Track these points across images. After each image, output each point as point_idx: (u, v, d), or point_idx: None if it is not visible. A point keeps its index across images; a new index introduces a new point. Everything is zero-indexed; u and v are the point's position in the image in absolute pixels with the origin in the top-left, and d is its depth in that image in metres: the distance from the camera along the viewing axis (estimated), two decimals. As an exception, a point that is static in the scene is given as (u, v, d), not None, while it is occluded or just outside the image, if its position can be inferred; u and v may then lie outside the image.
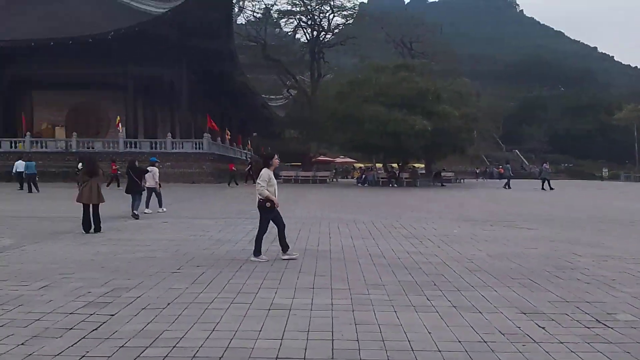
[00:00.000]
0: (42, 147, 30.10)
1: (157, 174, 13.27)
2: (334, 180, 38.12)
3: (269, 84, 42.24)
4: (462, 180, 38.07)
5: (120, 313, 4.16)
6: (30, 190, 20.70)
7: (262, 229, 6.66)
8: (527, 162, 68.21)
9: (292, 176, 34.09)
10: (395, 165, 35.27)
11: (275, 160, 6.86)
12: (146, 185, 12.88)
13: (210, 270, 5.95)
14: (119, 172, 23.43)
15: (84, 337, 3.58)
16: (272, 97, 45.97)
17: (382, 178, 31.37)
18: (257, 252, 6.63)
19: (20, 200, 17.34)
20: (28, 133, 30.26)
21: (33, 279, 5.36)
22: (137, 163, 13.21)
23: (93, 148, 30.18)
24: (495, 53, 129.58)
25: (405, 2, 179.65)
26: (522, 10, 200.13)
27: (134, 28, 29.66)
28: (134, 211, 11.83)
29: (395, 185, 30.02)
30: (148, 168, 13.27)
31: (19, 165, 21.75)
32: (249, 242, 8.19)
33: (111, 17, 32.01)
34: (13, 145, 29.72)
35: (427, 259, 6.79)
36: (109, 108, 34.21)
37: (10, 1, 35.25)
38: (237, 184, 29.52)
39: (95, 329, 3.75)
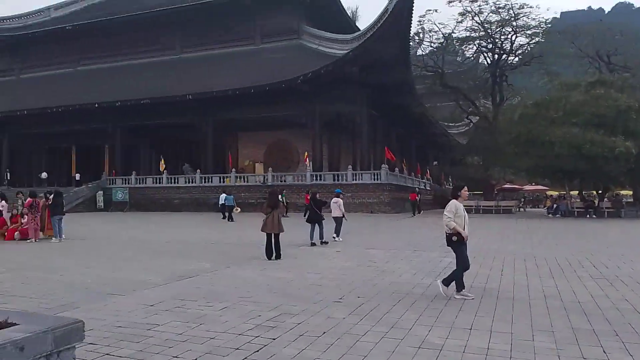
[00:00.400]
0: (244, 181, 34.24)
1: (342, 205, 14.19)
2: (521, 210, 35.35)
3: (448, 111, 41.56)
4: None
5: (281, 337, 4.57)
6: (229, 220, 23.66)
7: (461, 262, 6.43)
8: None
9: (472, 206, 32.59)
10: (594, 192, 31.24)
11: (464, 192, 6.75)
12: (332, 215, 13.97)
13: (370, 301, 6.11)
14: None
15: (245, 358, 4.04)
16: (451, 124, 45.19)
17: (577, 208, 28.02)
18: (460, 286, 6.43)
19: (222, 228, 19.98)
20: (233, 169, 34.84)
21: (217, 300, 6.19)
22: (317, 195, 14.25)
23: (285, 181, 33.24)
24: None
25: (606, 11, 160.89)
26: None
27: (319, 71, 32.35)
28: (313, 240, 12.77)
29: (594, 215, 26.49)
30: (333, 199, 14.36)
31: (222, 198, 25.07)
32: (413, 275, 8.18)
33: (302, 62, 35.48)
34: (222, 180, 34.42)
35: (614, 304, 5.92)
36: (299, 144, 37.51)
37: (220, 61, 41.63)
38: (420, 213, 29.56)
39: (257, 351, 4.19)
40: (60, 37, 48.05)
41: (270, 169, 34.34)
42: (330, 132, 37.43)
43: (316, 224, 13.14)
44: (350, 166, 32.64)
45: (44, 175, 39.93)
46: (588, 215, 26.61)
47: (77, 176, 39.17)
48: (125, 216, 29.89)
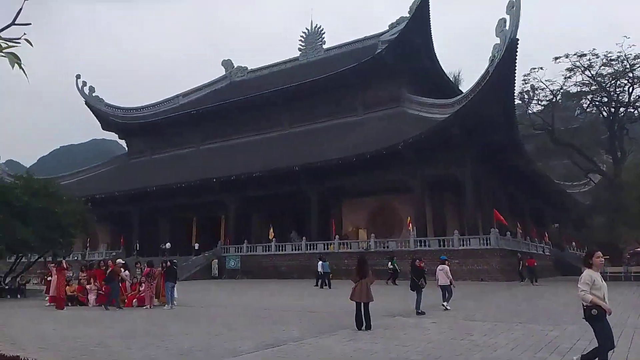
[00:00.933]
0: (347, 247, 34.48)
1: (449, 272, 13.95)
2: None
3: (565, 169, 38.91)
4: None
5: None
6: (322, 287, 24.15)
7: (604, 340, 5.67)
8: None
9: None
10: None
11: (597, 259, 5.97)
12: (439, 284, 13.89)
13: (451, 378, 5.81)
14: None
15: None
16: (570, 183, 42.06)
17: None
18: None
19: (321, 295, 20.11)
20: (337, 236, 35.34)
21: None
22: (417, 262, 13.96)
23: (388, 247, 32.89)
24: None
25: None
26: None
27: (420, 136, 32.52)
28: (417, 309, 12.44)
29: None
30: (439, 267, 14.17)
31: (320, 265, 25.53)
32: (510, 350, 7.61)
33: (403, 128, 36.02)
34: (326, 246, 35.01)
35: None
36: (402, 209, 37.20)
37: (324, 133, 43.69)
38: (536, 282, 27.33)
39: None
40: (186, 121, 54.02)
41: (372, 235, 34.31)
42: (434, 196, 36.77)
43: (418, 292, 12.88)
44: (456, 231, 31.49)
45: (167, 245, 43.65)
46: None
47: (196, 246, 42.23)
48: (236, 283, 31.36)
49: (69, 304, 16.37)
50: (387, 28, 53.73)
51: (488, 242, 29.55)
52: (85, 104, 58.78)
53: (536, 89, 32.56)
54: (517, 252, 29.14)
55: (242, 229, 42.47)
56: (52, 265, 17.66)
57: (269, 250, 37.14)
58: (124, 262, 16.30)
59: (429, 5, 40.01)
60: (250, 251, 37.99)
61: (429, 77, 44.54)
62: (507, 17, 29.31)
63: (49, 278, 17.50)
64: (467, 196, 32.96)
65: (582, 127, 33.18)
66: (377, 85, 43.81)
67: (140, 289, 16.02)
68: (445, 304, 13.56)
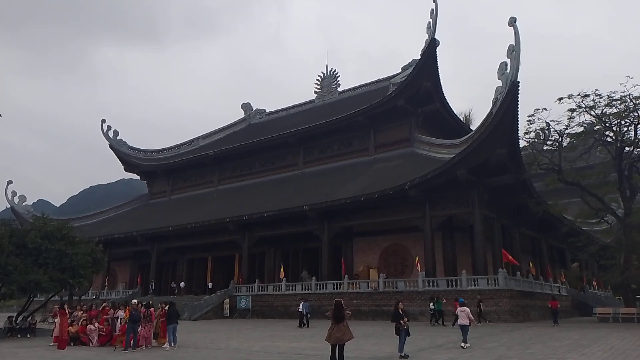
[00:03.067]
0: (356, 287, 34.54)
1: (469, 312, 15.20)
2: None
3: (579, 207, 38.53)
4: None
5: None
6: (301, 326, 25.84)
7: None
8: None
9: (609, 314, 28.72)
10: None
11: None
12: (459, 324, 15.24)
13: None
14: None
15: None
16: (584, 220, 41.39)
17: None
18: None
19: (313, 337, 20.29)
20: (346, 276, 35.47)
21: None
22: (400, 304, 14.29)
23: (397, 287, 32.85)
24: None
25: None
26: None
27: (425, 177, 32.94)
28: (400, 352, 12.69)
29: None
30: (459, 308, 15.55)
31: (301, 306, 27.24)
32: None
33: (413, 169, 36.53)
34: (335, 286, 35.14)
35: None
36: (413, 249, 37.22)
37: (336, 173, 44.53)
38: (557, 324, 27.13)
39: None
40: (205, 162, 55.75)
41: (382, 275, 34.37)
42: (445, 236, 36.70)
43: (400, 334, 13.16)
44: (464, 271, 31.32)
45: (181, 284, 44.37)
46: None
47: (210, 285, 42.84)
48: (244, 323, 31.62)
49: (72, 344, 17.04)
50: (400, 70, 55.16)
51: (496, 282, 29.30)
52: (110, 147, 61.27)
53: (541, 130, 32.76)
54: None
55: (255, 269, 43.01)
56: (56, 307, 18.47)
57: (279, 290, 37.44)
58: (137, 302, 16.87)
59: (435, 50, 41.05)
60: (261, 291, 38.35)
61: (440, 118, 45.22)
62: (508, 61, 30.02)
63: (52, 320, 18.26)
64: (475, 236, 32.90)
65: (589, 166, 33.03)
66: (388, 127, 44.71)
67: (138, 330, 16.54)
68: (463, 344, 14.61)
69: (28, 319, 22.35)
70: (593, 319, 30.02)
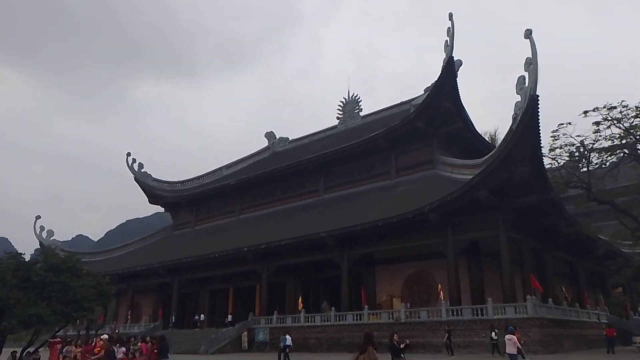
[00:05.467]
0: (378, 317, 32.92)
1: (517, 341, 15.66)
2: None
3: (612, 230, 36.08)
4: None
5: None
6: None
7: None
8: None
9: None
10: None
11: None
12: (507, 352, 15.68)
13: None
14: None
15: None
16: (617, 241, 38.77)
17: None
18: None
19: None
20: (366, 306, 33.92)
21: None
22: (395, 336, 13.31)
23: (419, 317, 31.12)
24: None
25: None
26: None
27: (446, 199, 31.51)
28: None
29: None
30: (507, 336, 16.14)
31: (281, 338, 26.93)
32: None
33: (435, 191, 35.07)
34: (356, 317, 33.61)
35: None
36: (438, 276, 35.45)
37: (358, 198, 43.47)
38: (613, 353, 25.37)
39: None
40: (228, 192, 55.70)
41: (403, 304, 32.75)
42: (471, 262, 34.85)
43: None
44: (490, 299, 29.37)
45: (201, 317, 43.62)
46: None
47: (230, 317, 41.86)
48: (260, 357, 30.43)
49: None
50: (422, 92, 54.17)
51: (525, 310, 27.28)
52: (135, 179, 62.13)
53: (566, 145, 30.88)
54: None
55: (275, 300, 41.89)
56: (50, 340, 17.95)
57: (297, 322, 36.09)
58: (107, 336, 16.22)
59: (453, 69, 40.09)
60: (280, 322, 37.07)
61: (463, 139, 43.78)
62: (526, 75, 28.74)
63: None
64: (502, 260, 31.01)
65: (624, 186, 30.96)
66: (409, 149, 43.60)
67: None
68: None
69: (32, 355, 21.93)
70: (633, 348, 27.46)
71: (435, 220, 32.03)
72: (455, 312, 29.82)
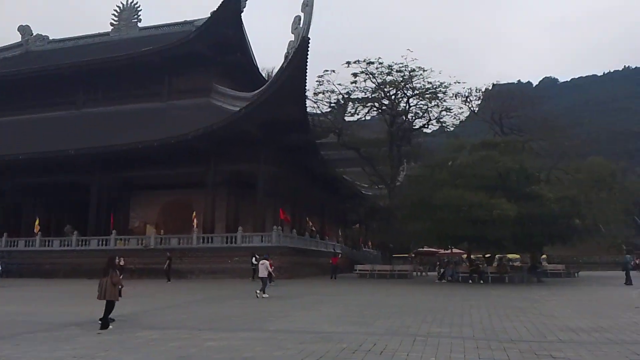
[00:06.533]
0: (125, 244, 31.35)
1: (269, 266, 16.83)
2: (419, 274, 33.96)
3: (357, 174, 40.96)
4: (576, 274, 31.48)
5: None
6: None
7: None
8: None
9: (367, 270, 31.04)
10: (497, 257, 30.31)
11: None
12: (259, 276, 16.76)
13: None
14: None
15: None
16: (360, 184, 44.63)
17: (462, 273, 26.85)
18: None
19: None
20: (114, 231, 31.93)
21: None
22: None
23: (170, 244, 30.68)
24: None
25: (534, 85, 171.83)
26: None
27: (210, 128, 30.93)
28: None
29: (481, 281, 25.33)
30: (261, 261, 17.25)
31: None
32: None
33: (206, 120, 33.92)
34: (101, 242, 31.42)
35: None
36: (197, 205, 35.27)
37: (124, 117, 39.76)
38: (335, 278, 28.08)
39: None
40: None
41: (153, 231, 31.82)
42: (230, 193, 35.54)
43: None
44: (240, 228, 30.57)
45: None
46: (471, 281, 25.41)
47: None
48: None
49: None
50: (209, 15, 51.44)
51: (269, 239, 29.16)
52: None
53: (330, 92, 33.27)
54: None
55: (10, 221, 36.40)
56: None
57: (32, 246, 32.09)
58: None
59: (238, -4, 38.73)
60: (10, 246, 32.44)
61: (243, 71, 43.44)
62: (302, 15, 29.29)
63: None
64: (258, 193, 32.36)
65: (366, 131, 34.89)
66: (185, 72, 41.35)
67: None
68: (258, 292, 16.03)
69: None
70: (354, 275, 32.08)
71: (199, 149, 31.43)
72: (205, 240, 30.20)
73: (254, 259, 27.02)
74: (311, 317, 11.58)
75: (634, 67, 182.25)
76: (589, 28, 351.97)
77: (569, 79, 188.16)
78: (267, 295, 16.00)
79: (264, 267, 16.52)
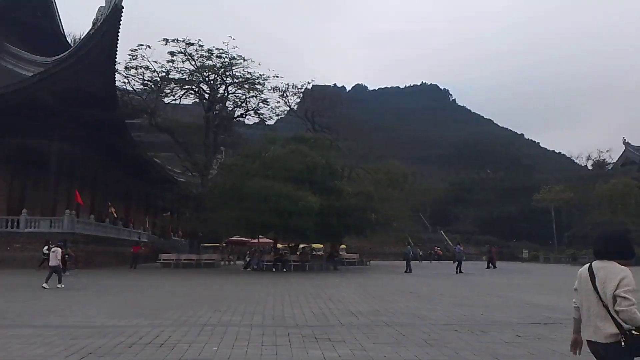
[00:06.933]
0: None
1: (59, 254, 15.76)
2: (228, 263, 34.15)
3: (171, 159, 39.08)
4: (367, 263, 35.20)
5: None
6: None
7: None
8: (450, 243, 66.79)
9: (172, 259, 29.95)
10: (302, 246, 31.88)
11: None
12: (50, 264, 15.59)
13: None
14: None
15: None
16: (172, 169, 42.76)
17: (267, 261, 27.81)
18: None
19: None
20: None
21: None
22: None
23: None
24: (436, 138, 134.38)
25: (347, 89, 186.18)
26: (454, 100, 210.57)
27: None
28: None
29: (284, 269, 26.49)
30: (52, 250, 15.95)
31: None
32: None
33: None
34: None
35: None
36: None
37: None
38: (135, 268, 26.66)
39: None
40: None
41: None
42: (14, 170, 30.78)
43: None
44: (25, 211, 26.68)
45: None
46: (275, 269, 26.44)
47: None
48: None
49: None
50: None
51: (61, 225, 26.02)
52: None
53: (145, 68, 30.99)
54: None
55: None
56: None
57: None
58: None
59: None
60: None
61: (44, 34, 38.11)
62: (117, -19, 26.71)
63: None
64: (50, 172, 28.62)
65: (182, 115, 33.63)
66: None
67: None
68: (45, 285, 14.73)
69: None
70: (157, 265, 30.62)
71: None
72: (-22, 223, 25.65)
73: (46, 247, 24.00)
74: (93, 310, 10.54)
75: (429, 83, 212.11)
76: (398, 45, 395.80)
77: (376, 88, 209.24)
78: (62, 286, 15.16)
79: (54, 255, 15.59)
